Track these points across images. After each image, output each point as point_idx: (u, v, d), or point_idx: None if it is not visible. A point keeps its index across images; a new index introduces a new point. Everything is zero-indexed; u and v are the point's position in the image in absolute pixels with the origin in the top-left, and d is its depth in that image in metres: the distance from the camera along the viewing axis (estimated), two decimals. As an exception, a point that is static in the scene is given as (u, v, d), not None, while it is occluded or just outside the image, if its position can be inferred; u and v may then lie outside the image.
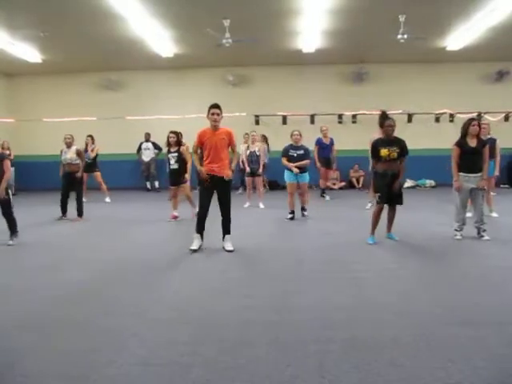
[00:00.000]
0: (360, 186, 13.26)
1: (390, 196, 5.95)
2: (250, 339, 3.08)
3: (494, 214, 7.82)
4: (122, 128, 13.60)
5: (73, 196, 8.33)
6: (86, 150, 10.92)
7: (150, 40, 10.77)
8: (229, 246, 5.61)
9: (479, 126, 6.03)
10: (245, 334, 3.18)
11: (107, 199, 10.92)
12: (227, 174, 5.52)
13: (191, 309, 3.70)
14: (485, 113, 13.08)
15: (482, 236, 6.07)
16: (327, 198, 10.66)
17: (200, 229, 5.67)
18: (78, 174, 8.19)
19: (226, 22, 9.33)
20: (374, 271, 4.74)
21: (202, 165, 5.66)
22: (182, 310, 3.67)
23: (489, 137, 7.66)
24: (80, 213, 8.21)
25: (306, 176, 8.20)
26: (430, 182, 13.44)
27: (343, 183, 13.34)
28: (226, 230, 5.69)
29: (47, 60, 12.28)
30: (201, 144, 5.59)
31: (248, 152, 9.72)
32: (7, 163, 6.12)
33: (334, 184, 13.10)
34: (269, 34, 10.33)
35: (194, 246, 5.62)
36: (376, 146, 5.91)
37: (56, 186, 8.95)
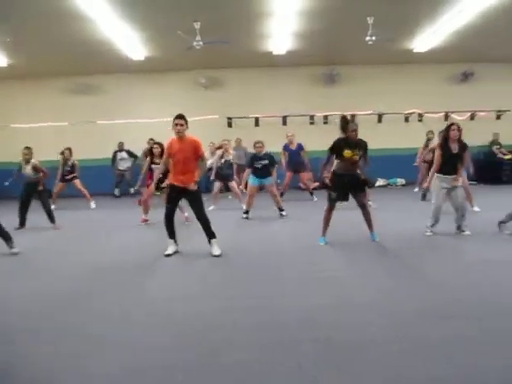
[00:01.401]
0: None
1: (349, 194, 6.00)
2: (231, 342, 3.09)
3: (476, 209, 8.14)
4: (94, 133, 13.37)
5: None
6: (65, 164, 10.76)
7: (120, 43, 10.64)
8: (216, 251, 5.55)
9: (459, 129, 6.17)
10: (226, 336, 3.18)
11: (92, 205, 10.76)
12: (192, 186, 5.52)
13: (172, 313, 3.69)
14: (452, 112, 13.43)
15: (463, 231, 6.24)
16: (315, 198, 10.60)
17: (170, 234, 5.71)
18: (40, 188, 7.90)
19: (197, 25, 9.30)
20: (353, 271, 4.81)
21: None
22: (162, 314, 3.66)
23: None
24: (52, 220, 8.01)
25: (270, 179, 8.48)
26: (400, 181, 13.69)
27: (317, 184, 13.43)
28: (210, 234, 5.65)
29: (14, 64, 11.94)
30: (169, 156, 5.60)
31: (223, 160, 9.67)
32: None
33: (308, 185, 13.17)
34: (240, 36, 10.34)
35: (169, 251, 5.63)
36: (340, 145, 5.86)
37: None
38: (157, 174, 6.44)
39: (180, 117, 5.47)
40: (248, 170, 8.54)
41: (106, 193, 12.88)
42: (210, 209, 9.39)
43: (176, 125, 5.44)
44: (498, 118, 13.87)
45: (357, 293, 4.04)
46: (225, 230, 6.66)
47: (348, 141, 5.86)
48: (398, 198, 10.94)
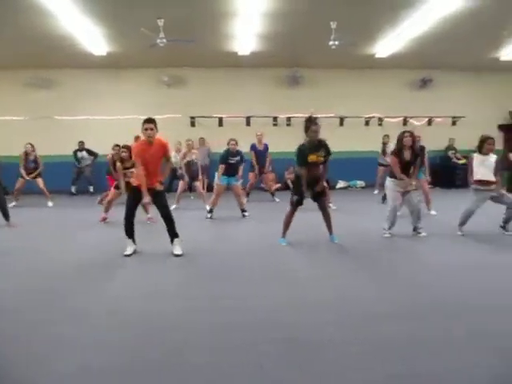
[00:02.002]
0: (295, 187, 13.50)
1: (315, 198, 6.07)
2: (193, 342, 3.07)
3: (433, 212, 8.40)
4: (53, 128, 12.97)
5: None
6: (26, 160, 10.47)
7: (81, 38, 10.38)
8: (177, 250, 5.51)
9: (411, 136, 6.36)
10: (186, 337, 3.16)
11: (50, 203, 10.45)
12: (158, 186, 5.52)
13: (133, 312, 3.64)
14: (410, 117, 13.84)
15: (420, 233, 6.45)
16: (277, 199, 10.62)
17: (129, 234, 5.64)
18: None
19: (161, 22, 9.18)
20: (313, 271, 4.88)
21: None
22: (123, 314, 3.60)
23: (420, 144, 8.23)
24: (6, 216, 7.72)
25: (236, 179, 8.53)
26: (360, 183, 14.00)
27: (279, 185, 13.53)
28: (173, 233, 5.60)
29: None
30: (138, 159, 5.44)
31: (185, 161, 9.56)
32: None
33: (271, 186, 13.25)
34: (204, 36, 10.28)
35: (128, 251, 5.55)
36: (304, 151, 5.84)
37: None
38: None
39: (150, 121, 5.38)
40: (221, 166, 8.34)
41: (63, 190, 12.52)
42: (172, 208, 9.30)
43: (146, 129, 5.36)
44: (454, 123, 14.41)
45: (317, 293, 4.09)
46: (187, 229, 6.60)
47: (309, 144, 5.86)
48: (358, 200, 11.17)
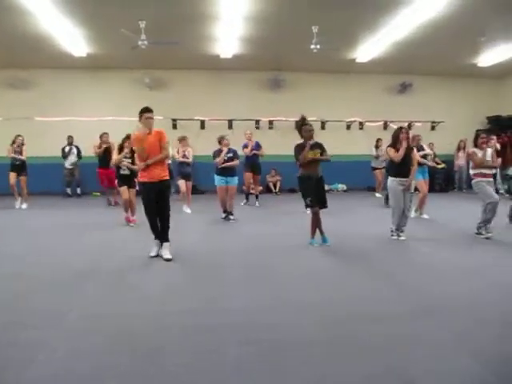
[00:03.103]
0: (277, 190, 13.56)
1: (317, 200, 6.07)
2: (168, 346, 3.04)
3: (425, 216, 8.44)
4: (32, 129, 12.72)
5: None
6: (16, 151, 10.28)
7: (61, 38, 10.26)
8: (167, 255, 5.41)
9: (407, 133, 6.43)
10: (163, 340, 3.13)
11: (24, 205, 10.20)
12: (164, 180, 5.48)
13: (107, 317, 3.58)
14: (390, 121, 14.00)
15: (399, 236, 6.47)
16: (257, 204, 10.58)
17: (156, 234, 5.58)
18: None
19: (142, 24, 9.13)
20: (298, 274, 4.87)
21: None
22: (97, 319, 3.54)
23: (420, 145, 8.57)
24: None
25: (235, 180, 8.42)
26: (342, 186, 14.08)
27: (261, 188, 13.54)
28: (165, 236, 5.53)
29: None
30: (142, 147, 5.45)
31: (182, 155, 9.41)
32: None
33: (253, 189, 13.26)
34: (186, 38, 10.24)
35: (153, 253, 5.53)
36: (301, 149, 5.94)
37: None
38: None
39: (150, 110, 5.45)
40: (217, 159, 8.25)
41: (48, 192, 12.32)
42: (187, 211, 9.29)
43: (147, 118, 5.40)
44: (433, 128, 14.63)
45: (301, 294, 4.10)
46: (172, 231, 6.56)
47: (304, 144, 5.95)
48: (341, 203, 11.20)
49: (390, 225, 6.57)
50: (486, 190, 6.44)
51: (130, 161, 7.71)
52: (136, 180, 7.32)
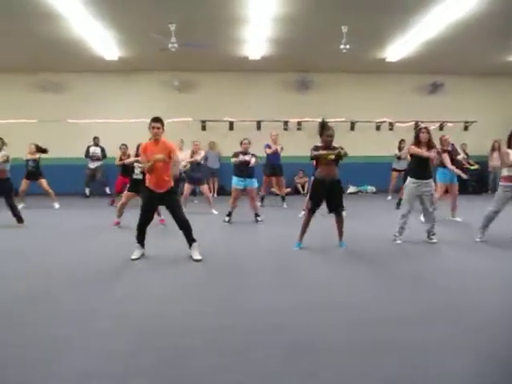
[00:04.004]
0: (305, 191, 13.49)
1: (330, 205, 6.03)
2: (193, 346, 3.06)
3: (458, 219, 8.27)
4: (64, 131, 13.10)
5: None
6: (28, 159, 10.55)
7: (93, 42, 10.50)
8: (196, 255, 5.48)
9: (428, 132, 6.29)
10: (188, 341, 3.15)
11: (56, 205, 10.47)
12: (169, 190, 5.51)
13: (135, 317, 3.63)
14: (421, 122, 13.72)
15: (432, 239, 6.36)
16: (285, 205, 10.55)
17: (140, 239, 5.63)
18: (2, 177, 7.68)
19: (172, 27, 9.25)
20: (321, 276, 4.86)
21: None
22: (123, 319, 3.59)
23: (450, 145, 8.34)
24: (18, 218, 7.81)
25: (254, 182, 8.37)
26: (371, 188, 13.92)
27: (289, 189, 13.49)
28: (191, 238, 5.57)
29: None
30: (145, 157, 5.50)
31: (190, 161, 9.50)
32: None
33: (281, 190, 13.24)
34: (215, 40, 10.31)
35: (135, 255, 5.55)
36: (317, 150, 5.90)
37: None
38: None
39: (157, 120, 5.42)
40: (234, 159, 8.26)
41: (75, 192, 12.62)
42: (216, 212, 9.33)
43: (153, 128, 5.39)
44: (466, 128, 14.28)
45: (324, 297, 4.08)
46: (195, 233, 6.61)
47: (323, 147, 5.90)
48: (370, 205, 11.11)
49: (414, 228, 6.46)
50: (504, 197, 6.21)
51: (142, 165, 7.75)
52: None
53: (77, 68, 12.88)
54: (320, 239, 6.48)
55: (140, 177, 7.78)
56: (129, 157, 10.57)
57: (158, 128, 5.40)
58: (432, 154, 6.17)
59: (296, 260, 5.57)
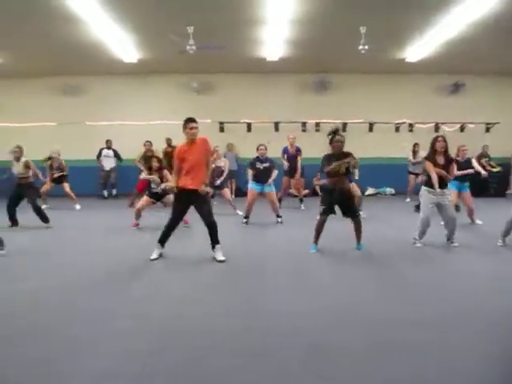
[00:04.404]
0: (323, 193, 13.42)
1: (344, 212, 6.02)
2: (213, 347, 3.06)
3: (478, 222, 8.14)
4: (83, 133, 13.29)
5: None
6: (52, 167, 10.78)
7: (112, 45, 10.62)
8: (220, 256, 5.48)
9: (445, 141, 6.18)
10: (208, 342, 3.15)
11: (77, 207, 10.64)
12: (202, 189, 5.47)
13: (155, 317, 3.64)
14: (442, 123, 13.55)
15: (453, 242, 6.26)
16: (302, 206, 10.53)
17: (165, 239, 5.63)
18: (28, 185, 7.87)
19: (190, 29, 9.30)
20: (339, 278, 4.82)
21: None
22: (144, 319, 3.60)
23: (466, 158, 8.19)
24: (44, 219, 7.93)
25: (272, 186, 8.42)
26: (390, 190, 13.76)
27: (307, 191, 13.40)
28: (216, 239, 5.58)
29: (3, 63, 11.88)
30: (182, 162, 5.50)
31: (213, 166, 9.54)
32: None
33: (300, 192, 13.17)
34: (233, 42, 10.35)
35: (154, 255, 5.57)
36: (327, 161, 5.87)
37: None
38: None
39: (194, 120, 5.46)
40: (249, 171, 8.41)
41: (93, 194, 12.77)
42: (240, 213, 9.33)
43: (191, 128, 5.40)
44: (488, 130, 14.01)
45: (341, 300, 4.04)
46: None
47: (334, 155, 5.88)
48: (388, 207, 10.98)
49: (435, 231, 6.37)
50: None
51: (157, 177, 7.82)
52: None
53: (95, 71, 13.04)
54: (338, 241, 6.43)
55: (158, 191, 7.79)
56: (153, 153, 10.71)
57: (196, 128, 5.42)
58: (447, 176, 6.10)
59: (314, 262, 5.53)
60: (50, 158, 10.84)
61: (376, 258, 5.72)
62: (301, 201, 10.65)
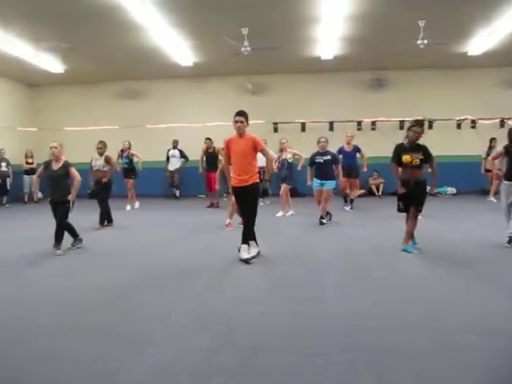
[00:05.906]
0: (380, 193, 13.11)
1: (410, 202, 5.75)
2: (271, 346, 3.05)
3: None
4: (143, 136, 13.74)
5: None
6: (121, 156, 11.18)
7: (169, 49, 10.91)
8: (245, 255, 5.43)
9: None
10: (267, 340, 3.14)
11: (128, 207, 11.02)
12: (252, 184, 5.45)
13: (213, 315, 3.68)
14: (508, 118, 12.84)
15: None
16: (347, 208, 10.25)
17: (246, 238, 5.59)
18: (104, 180, 8.25)
19: (245, 31, 9.37)
20: (399, 279, 4.67)
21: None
22: (203, 316, 3.65)
23: None
24: (102, 220, 8.27)
25: (332, 183, 8.24)
26: (451, 190, 13.19)
27: (362, 191, 13.13)
28: (251, 234, 5.56)
29: (69, 70, 12.53)
30: (228, 151, 5.56)
31: (280, 159, 9.38)
32: (73, 171, 6.28)
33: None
34: (287, 42, 10.33)
35: (253, 253, 5.55)
36: (398, 151, 5.73)
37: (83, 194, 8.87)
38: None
39: (240, 113, 5.41)
40: (308, 169, 8.32)
41: (157, 194, 13.18)
42: (288, 214, 9.36)
43: (236, 122, 5.37)
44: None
45: (402, 302, 3.90)
46: (273, 233, 6.63)
47: (405, 146, 5.72)
48: (448, 208, 10.51)
49: (502, 232, 6.04)
50: None
51: None
52: None
53: (154, 75, 13.49)
54: (397, 241, 6.22)
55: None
56: (214, 150, 10.90)
57: (242, 122, 5.35)
58: None
59: (372, 262, 5.38)
60: (122, 151, 11.27)
61: (429, 258, 5.46)
62: (350, 201, 10.32)
